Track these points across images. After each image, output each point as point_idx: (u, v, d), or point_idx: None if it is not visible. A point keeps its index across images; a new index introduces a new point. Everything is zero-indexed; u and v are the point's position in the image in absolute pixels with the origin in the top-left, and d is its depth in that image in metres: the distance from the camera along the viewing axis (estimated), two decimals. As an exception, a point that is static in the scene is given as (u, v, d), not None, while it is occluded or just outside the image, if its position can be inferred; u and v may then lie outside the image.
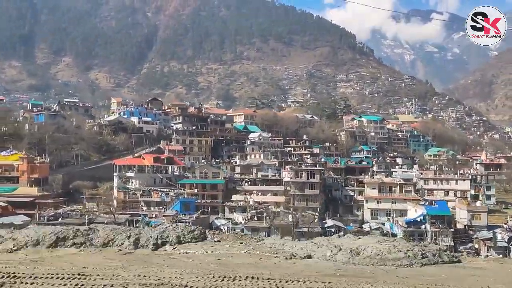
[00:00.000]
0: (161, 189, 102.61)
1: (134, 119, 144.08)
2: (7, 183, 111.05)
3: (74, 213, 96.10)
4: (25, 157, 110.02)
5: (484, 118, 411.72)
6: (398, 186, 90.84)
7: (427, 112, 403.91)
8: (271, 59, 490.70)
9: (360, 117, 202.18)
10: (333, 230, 79.37)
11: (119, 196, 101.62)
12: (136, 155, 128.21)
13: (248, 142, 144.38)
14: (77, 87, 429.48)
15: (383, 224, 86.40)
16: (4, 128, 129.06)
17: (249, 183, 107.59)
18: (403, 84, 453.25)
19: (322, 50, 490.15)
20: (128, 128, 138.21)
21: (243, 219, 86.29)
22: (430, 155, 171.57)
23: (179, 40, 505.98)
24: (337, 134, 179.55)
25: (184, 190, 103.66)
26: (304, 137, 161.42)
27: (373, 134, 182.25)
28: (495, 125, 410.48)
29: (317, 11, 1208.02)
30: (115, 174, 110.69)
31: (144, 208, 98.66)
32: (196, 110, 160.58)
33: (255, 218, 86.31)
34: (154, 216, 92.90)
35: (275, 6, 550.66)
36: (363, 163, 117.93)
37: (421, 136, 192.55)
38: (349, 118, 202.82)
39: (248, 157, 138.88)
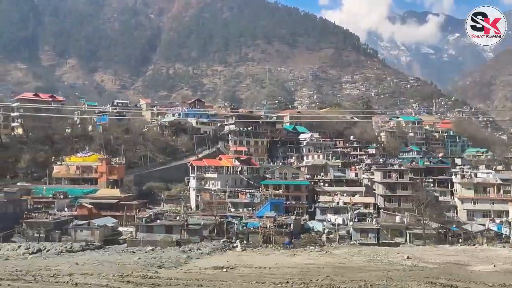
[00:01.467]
0: (246, 190, 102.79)
1: (192, 120, 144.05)
2: (85, 184, 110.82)
3: (167, 214, 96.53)
4: (104, 158, 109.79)
5: (490, 119, 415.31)
6: (495, 187, 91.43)
7: (433, 113, 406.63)
8: (275, 60, 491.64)
9: (398, 117, 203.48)
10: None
11: (205, 197, 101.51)
12: (200, 156, 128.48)
13: (304, 143, 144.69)
14: (83, 89, 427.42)
15: (483, 225, 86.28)
16: (68, 129, 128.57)
17: (327, 184, 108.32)
18: (408, 86, 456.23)
19: (326, 52, 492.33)
20: (187, 129, 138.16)
21: (345, 220, 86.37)
22: (469, 155, 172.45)
23: (183, 42, 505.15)
24: (377, 134, 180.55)
25: (266, 191, 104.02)
26: (351, 137, 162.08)
27: (412, 134, 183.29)
28: (501, 126, 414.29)
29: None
30: (192, 175, 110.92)
31: (232, 210, 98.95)
32: (247, 111, 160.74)
33: (356, 220, 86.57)
34: (247, 217, 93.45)
35: (278, 8, 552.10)
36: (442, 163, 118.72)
37: (457, 137, 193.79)
38: (378, 119, 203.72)
39: (305, 157, 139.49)
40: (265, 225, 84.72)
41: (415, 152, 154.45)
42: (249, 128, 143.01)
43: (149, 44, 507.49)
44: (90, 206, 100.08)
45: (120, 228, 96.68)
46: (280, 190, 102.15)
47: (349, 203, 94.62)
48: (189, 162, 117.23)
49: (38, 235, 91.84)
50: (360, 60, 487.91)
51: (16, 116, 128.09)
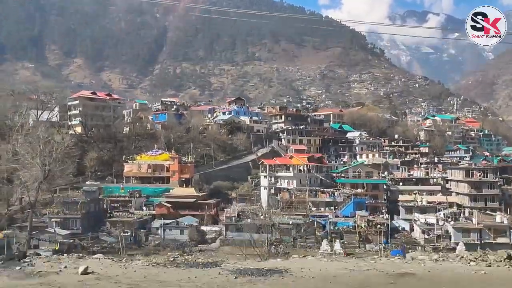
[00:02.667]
0: (325, 189, 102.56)
1: (245, 119, 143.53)
2: (156, 183, 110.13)
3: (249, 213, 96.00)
4: (176, 157, 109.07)
5: (500, 118, 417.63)
6: None
7: (443, 113, 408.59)
8: (283, 60, 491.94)
9: (434, 116, 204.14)
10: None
11: (284, 196, 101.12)
12: (259, 154, 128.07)
13: (357, 141, 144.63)
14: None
15: None
16: (126, 128, 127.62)
17: (401, 183, 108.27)
18: (416, 85, 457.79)
19: (333, 51, 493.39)
20: (242, 127, 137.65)
21: (439, 220, 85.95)
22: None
23: (189, 41, 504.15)
24: (416, 133, 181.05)
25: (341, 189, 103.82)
26: (396, 136, 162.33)
27: (450, 133, 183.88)
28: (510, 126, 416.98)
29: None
30: (263, 173, 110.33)
31: (313, 209, 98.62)
32: (295, 110, 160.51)
33: (450, 219, 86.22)
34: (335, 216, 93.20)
35: (284, 7, 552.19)
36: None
37: (492, 135, 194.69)
38: (414, 118, 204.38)
39: (358, 156, 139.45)
40: (360, 225, 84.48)
41: (463, 151, 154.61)
42: (302, 127, 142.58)
43: (156, 43, 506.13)
44: (169, 205, 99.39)
45: (203, 228, 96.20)
46: (359, 189, 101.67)
47: (434, 202, 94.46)
48: (259, 160, 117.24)
49: (124, 234, 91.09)
50: (368, 60, 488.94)
51: (75, 114, 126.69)
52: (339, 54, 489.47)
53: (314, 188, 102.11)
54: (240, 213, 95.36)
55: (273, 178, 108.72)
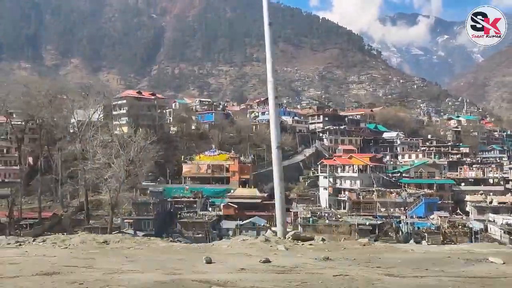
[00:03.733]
0: (392, 190, 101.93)
1: (287, 118, 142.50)
2: (215, 184, 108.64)
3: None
4: (236, 157, 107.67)
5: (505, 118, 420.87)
6: None
7: (441, 114, 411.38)
8: (281, 61, 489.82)
9: (458, 116, 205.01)
10: None
11: (351, 196, 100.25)
12: (306, 154, 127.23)
13: (398, 141, 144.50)
14: (90, 89, 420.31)
15: None
16: (174, 128, 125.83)
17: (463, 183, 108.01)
18: (414, 86, 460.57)
19: (331, 52, 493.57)
20: (286, 127, 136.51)
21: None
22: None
23: (187, 41, 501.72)
24: (443, 133, 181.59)
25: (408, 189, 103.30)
26: (429, 136, 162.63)
27: (476, 133, 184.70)
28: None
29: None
30: (323, 174, 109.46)
31: (383, 210, 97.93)
32: (331, 110, 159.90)
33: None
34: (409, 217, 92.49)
35: (281, 8, 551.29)
36: None
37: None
38: (438, 118, 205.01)
39: (400, 157, 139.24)
40: (443, 226, 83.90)
41: (497, 151, 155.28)
42: (343, 127, 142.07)
43: (153, 44, 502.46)
44: (235, 206, 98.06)
45: (273, 229, 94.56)
46: (426, 189, 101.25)
47: (506, 202, 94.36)
48: (308, 161, 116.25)
49: (197, 235, 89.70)
50: (365, 61, 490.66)
51: (121, 114, 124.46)
52: (337, 55, 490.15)
53: (381, 188, 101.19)
54: (313, 214, 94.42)
55: (332, 178, 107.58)
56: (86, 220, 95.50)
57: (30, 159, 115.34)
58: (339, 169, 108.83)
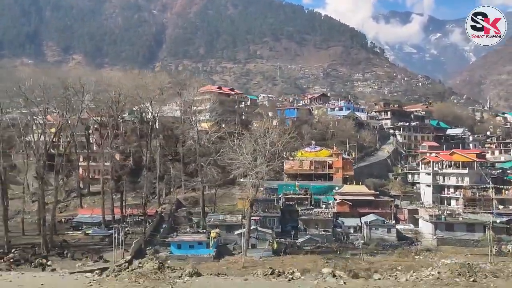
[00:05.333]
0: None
1: (361, 115, 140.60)
2: (318, 180, 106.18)
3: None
4: (339, 153, 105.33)
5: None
6: None
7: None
8: (285, 58, 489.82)
9: (504, 113, 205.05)
10: None
11: (465, 193, 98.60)
12: (390, 151, 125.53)
13: (470, 138, 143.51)
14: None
15: None
16: (256, 124, 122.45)
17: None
18: (419, 84, 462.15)
19: (335, 50, 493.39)
20: (363, 124, 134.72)
21: None
22: None
23: (189, 38, 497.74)
24: (493, 130, 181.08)
25: None
26: (488, 133, 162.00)
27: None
28: None
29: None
30: (424, 170, 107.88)
31: (500, 207, 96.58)
32: (397, 106, 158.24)
33: None
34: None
35: (283, 5, 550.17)
36: None
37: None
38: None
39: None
40: None
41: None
42: (415, 123, 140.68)
43: (155, 40, 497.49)
44: (350, 203, 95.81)
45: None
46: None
47: None
48: (394, 157, 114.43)
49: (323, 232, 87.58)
50: (369, 58, 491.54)
51: (203, 110, 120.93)
52: (341, 52, 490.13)
53: (492, 185, 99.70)
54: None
55: (433, 175, 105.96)
56: (203, 217, 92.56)
57: (117, 156, 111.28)
58: (434, 166, 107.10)
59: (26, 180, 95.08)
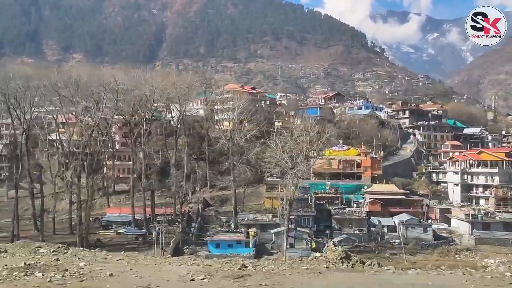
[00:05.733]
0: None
1: (381, 114, 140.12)
2: (345, 179, 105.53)
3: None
4: (368, 152, 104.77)
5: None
6: None
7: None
8: (285, 57, 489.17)
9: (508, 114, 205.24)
10: None
11: (497, 193, 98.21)
12: (412, 150, 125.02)
13: (489, 137, 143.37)
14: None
15: None
16: (278, 123, 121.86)
17: None
18: (420, 84, 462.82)
19: (335, 49, 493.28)
20: (384, 123, 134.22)
21: None
22: None
23: (190, 37, 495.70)
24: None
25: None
26: (503, 132, 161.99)
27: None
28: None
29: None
30: (452, 169, 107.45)
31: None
32: (414, 105, 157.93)
33: None
34: None
35: (283, 5, 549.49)
36: None
37: None
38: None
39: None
40: None
41: None
42: (434, 122, 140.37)
43: (155, 40, 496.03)
44: (382, 202, 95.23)
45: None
46: None
47: None
48: (418, 156, 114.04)
49: (357, 232, 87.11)
50: (370, 58, 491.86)
51: (226, 108, 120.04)
52: (341, 52, 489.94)
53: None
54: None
55: (461, 174, 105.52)
56: (235, 217, 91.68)
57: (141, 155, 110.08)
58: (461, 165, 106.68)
59: (54, 179, 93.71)
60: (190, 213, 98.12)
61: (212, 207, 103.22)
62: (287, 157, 77.41)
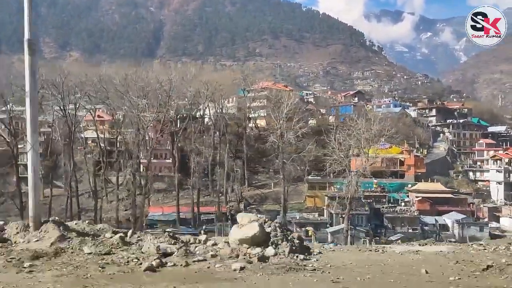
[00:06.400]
0: None
1: (411, 112, 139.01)
2: (388, 178, 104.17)
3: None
4: (411, 150, 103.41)
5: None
6: None
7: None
8: (284, 56, 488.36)
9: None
10: None
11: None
12: (446, 148, 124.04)
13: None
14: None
15: None
16: (311, 121, 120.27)
17: None
18: (419, 82, 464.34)
19: (334, 48, 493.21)
20: (415, 121, 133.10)
21: None
22: None
23: (188, 36, 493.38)
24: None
25: None
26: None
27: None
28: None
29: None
30: (494, 167, 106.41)
31: None
32: (440, 103, 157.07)
33: None
34: None
35: (281, 3, 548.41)
36: None
37: None
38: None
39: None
40: None
41: None
42: (463, 120, 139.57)
43: (153, 38, 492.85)
44: (430, 201, 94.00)
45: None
46: None
47: None
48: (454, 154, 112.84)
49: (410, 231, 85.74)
50: (368, 57, 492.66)
51: (260, 106, 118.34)
52: (340, 51, 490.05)
53: None
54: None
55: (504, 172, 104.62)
56: (284, 215, 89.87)
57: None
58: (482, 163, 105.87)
59: (104, 177, 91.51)
60: (231, 212, 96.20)
61: (252, 206, 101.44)
62: (344, 155, 76.16)
